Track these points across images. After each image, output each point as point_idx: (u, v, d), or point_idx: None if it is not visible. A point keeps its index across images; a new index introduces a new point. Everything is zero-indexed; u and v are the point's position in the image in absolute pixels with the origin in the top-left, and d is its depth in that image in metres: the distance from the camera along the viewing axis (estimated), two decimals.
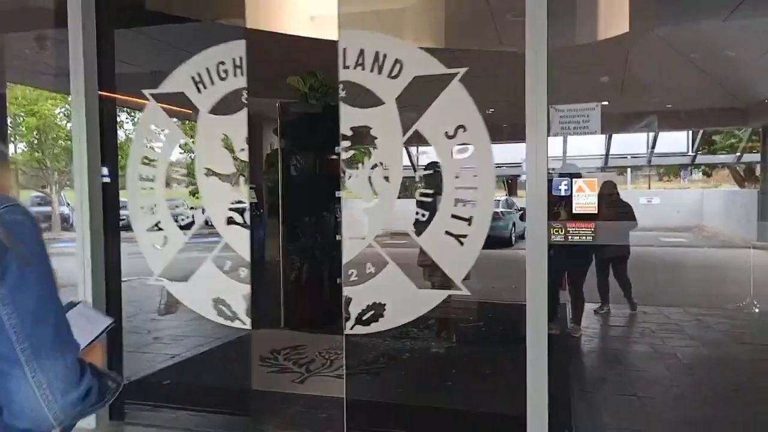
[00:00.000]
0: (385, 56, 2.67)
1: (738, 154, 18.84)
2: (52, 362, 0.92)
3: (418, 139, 2.70)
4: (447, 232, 2.67)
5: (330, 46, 6.44)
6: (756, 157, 16.89)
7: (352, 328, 2.79)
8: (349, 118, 2.77)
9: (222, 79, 3.12)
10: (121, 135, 7.88)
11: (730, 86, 9.98)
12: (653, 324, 5.85)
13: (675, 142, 18.56)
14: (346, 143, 2.75)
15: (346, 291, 2.78)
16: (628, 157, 18.60)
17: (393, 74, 2.68)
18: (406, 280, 2.77)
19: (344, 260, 2.76)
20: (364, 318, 2.78)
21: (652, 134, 16.36)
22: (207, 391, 3.73)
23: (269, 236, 9.20)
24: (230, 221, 3.18)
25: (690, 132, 17.74)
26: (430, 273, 2.93)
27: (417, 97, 2.72)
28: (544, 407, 2.59)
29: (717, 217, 17.97)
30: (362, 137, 2.74)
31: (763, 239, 13.68)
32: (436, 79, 2.63)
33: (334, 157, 6.11)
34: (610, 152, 14.60)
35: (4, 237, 0.91)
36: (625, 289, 5.89)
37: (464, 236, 2.64)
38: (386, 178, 2.73)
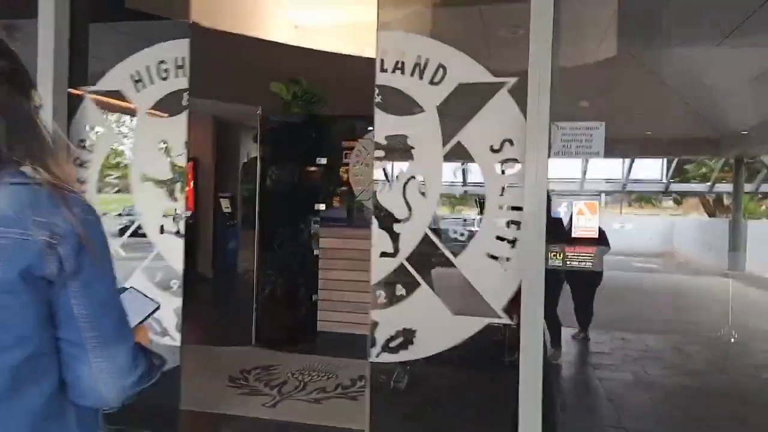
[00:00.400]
0: (427, 61, 2.47)
1: (710, 183, 19.23)
2: (115, 349, 1.03)
3: (460, 152, 2.51)
4: (489, 255, 2.47)
5: (314, 55, 6.30)
6: (727, 187, 17.26)
7: (378, 356, 2.54)
8: (384, 125, 2.56)
9: (163, 79, 2.92)
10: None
11: (707, 116, 10.13)
12: (633, 351, 5.75)
13: (649, 168, 18.85)
14: (379, 152, 2.53)
15: (374, 314, 2.54)
16: (603, 182, 18.83)
17: (435, 80, 2.49)
18: (440, 305, 2.54)
19: (373, 280, 2.52)
20: (391, 345, 2.54)
21: (627, 160, 16.58)
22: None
23: (244, 247, 8.95)
24: (163, 230, 2.95)
25: (665, 160, 18.06)
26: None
27: (460, 107, 2.53)
28: None
29: (688, 244, 18.24)
30: (398, 147, 2.53)
31: (734, 268, 13.89)
32: (483, 88, 2.45)
33: (314, 168, 5.96)
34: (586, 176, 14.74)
35: (82, 235, 0.99)
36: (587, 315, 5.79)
37: (507, 259, 2.45)
38: (422, 193, 2.51)
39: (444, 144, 2.53)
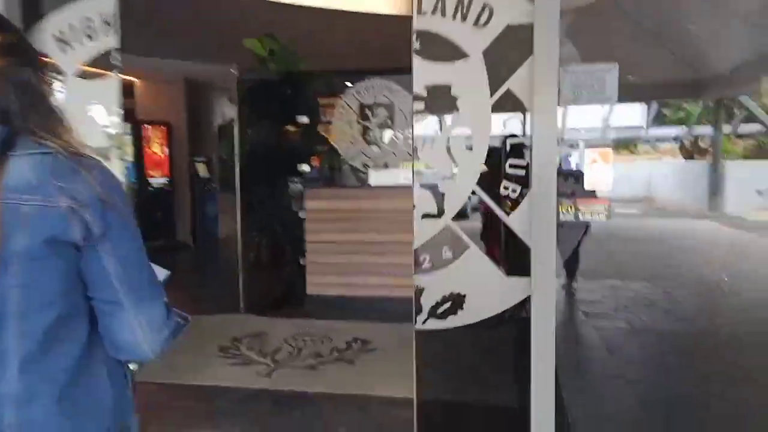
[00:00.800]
0: (470, 0, 2.22)
1: (688, 127, 19.28)
2: (150, 304, 1.08)
3: (510, 102, 2.29)
4: None
5: (289, 10, 5.97)
6: (706, 129, 17.32)
7: (424, 323, 2.38)
8: (424, 74, 2.30)
9: (89, 37, 2.67)
10: None
11: (686, 58, 10.00)
12: (624, 299, 5.76)
13: (628, 115, 18.82)
14: (419, 104, 2.30)
15: (418, 280, 2.36)
16: (582, 131, 18.74)
17: (480, 22, 2.25)
18: (491, 266, 2.37)
19: (416, 244, 2.33)
20: (439, 311, 2.38)
21: (607, 107, 16.49)
22: None
23: (224, 213, 8.72)
24: None
25: (644, 106, 18.00)
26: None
27: (510, 52, 2.30)
28: (551, 401, 2.32)
29: (665, 189, 18.41)
30: (440, 97, 2.31)
31: (714, 210, 14.07)
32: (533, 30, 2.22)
33: (294, 128, 5.73)
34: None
35: (105, 198, 1.02)
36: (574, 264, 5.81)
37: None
38: (469, 148, 2.30)
39: (492, 93, 2.30)
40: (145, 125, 8.74)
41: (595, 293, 5.99)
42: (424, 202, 2.34)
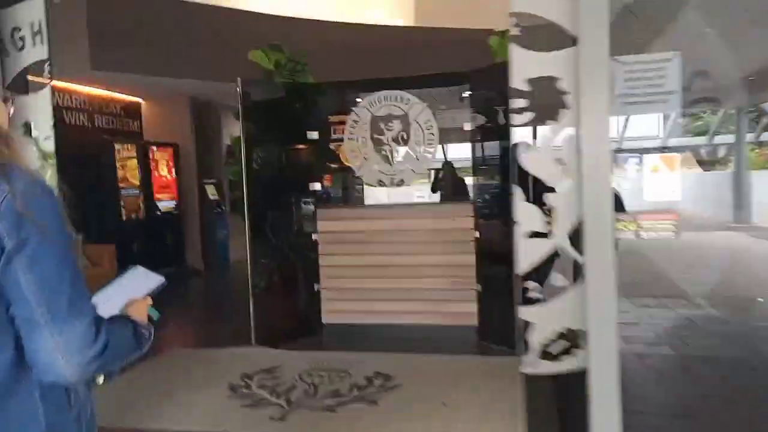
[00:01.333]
0: None
1: (708, 136, 18.78)
2: (70, 323, 1.03)
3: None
4: None
5: (297, 23, 5.68)
6: (727, 138, 16.83)
7: (533, 365, 1.98)
8: (526, 65, 1.95)
9: (19, 49, 2.39)
10: None
11: (707, 65, 9.64)
12: (663, 320, 5.32)
13: (644, 125, 18.38)
14: (520, 102, 1.94)
15: (524, 312, 1.97)
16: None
17: None
18: (615, 296, 1.97)
19: (520, 268, 1.95)
20: (551, 350, 1.96)
21: (623, 117, 16.07)
22: None
23: (235, 236, 8.40)
24: None
25: (660, 115, 17.56)
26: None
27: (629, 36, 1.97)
28: None
29: (689, 199, 17.87)
30: (545, 91, 1.95)
31: (739, 221, 13.55)
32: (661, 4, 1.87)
33: (304, 145, 5.41)
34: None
35: (23, 210, 0.99)
36: None
37: None
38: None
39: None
40: (152, 147, 8.48)
41: (629, 314, 5.56)
42: (530, 218, 1.95)
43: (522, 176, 1.97)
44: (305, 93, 5.15)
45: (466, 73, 4.64)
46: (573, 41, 1.86)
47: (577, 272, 1.91)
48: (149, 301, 1.30)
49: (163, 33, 7.32)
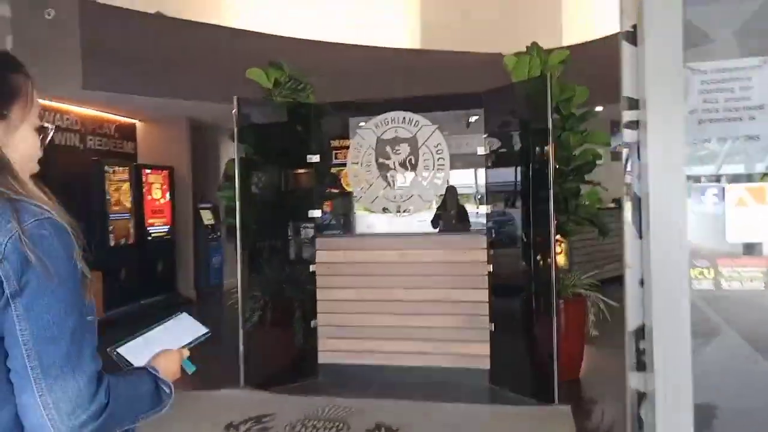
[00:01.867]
0: None
1: None
2: (61, 382, 0.93)
3: None
4: None
5: (299, 44, 5.40)
6: None
7: None
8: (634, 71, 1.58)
9: None
10: None
11: None
12: None
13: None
14: (631, 114, 1.57)
15: (635, 380, 1.54)
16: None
17: None
18: (755, 358, 1.55)
19: (630, 323, 1.55)
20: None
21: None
22: None
23: (230, 263, 7.99)
24: None
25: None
26: None
27: None
28: None
29: None
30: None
31: None
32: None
33: (303, 169, 5.07)
34: None
35: (29, 252, 0.92)
36: None
37: None
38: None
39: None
40: (146, 169, 8.14)
41: None
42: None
43: (636, 209, 1.59)
44: (306, 113, 4.81)
45: (477, 95, 4.30)
46: (708, 38, 1.50)
47: (707, 328, 1.51)
48: (186, 353, 1.21)
49: (159, 52, 7.05)
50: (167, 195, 8.48)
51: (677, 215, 1.51)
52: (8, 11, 6.54)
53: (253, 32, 7.78)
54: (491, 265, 4.19)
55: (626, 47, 1.59)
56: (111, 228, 7.20)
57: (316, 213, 4.66)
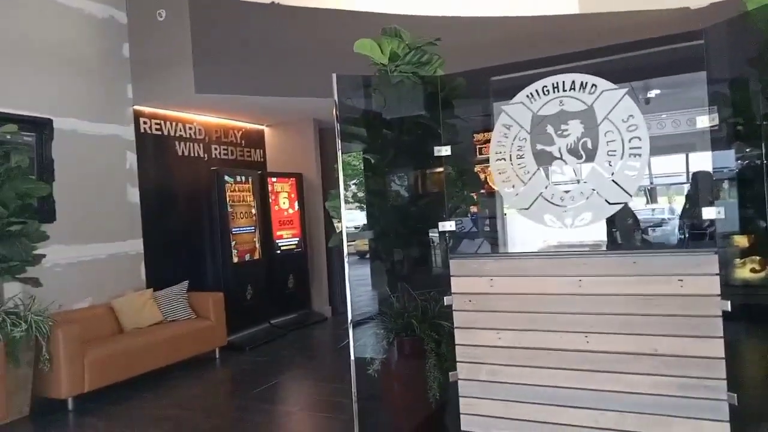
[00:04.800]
0: None
1: None
2: None
3: None
4: None
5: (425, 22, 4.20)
6: None
7: None
8: None
9: None
10: None
11: None
12: None
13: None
14: None
15: None
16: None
17: None
18: None
19: None
20: None
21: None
22: None
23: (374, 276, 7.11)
24: None
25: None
26: None
27: None
28: None
29: None
30: None
31: None
32: None
33: (438, 169, 3.91)
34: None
35: None
36: None
37: None
38: None
39: None
40: (271, 177, 7.52)
41: None
42: None
43: None
44: (435, 91, 3.60)
45: (696, 33, 2.75)
46: None
47: None
48: None
49: (277, 46, 6.32)
50: (296, 204, 7.81)
51: None
52: (124, 18, 6.20)
53: (378, 14, 6.76)
54: (728, 302, 2.63)
55: None
56: (234, 243, 6.61)
57: (448, 225, 3.41)
